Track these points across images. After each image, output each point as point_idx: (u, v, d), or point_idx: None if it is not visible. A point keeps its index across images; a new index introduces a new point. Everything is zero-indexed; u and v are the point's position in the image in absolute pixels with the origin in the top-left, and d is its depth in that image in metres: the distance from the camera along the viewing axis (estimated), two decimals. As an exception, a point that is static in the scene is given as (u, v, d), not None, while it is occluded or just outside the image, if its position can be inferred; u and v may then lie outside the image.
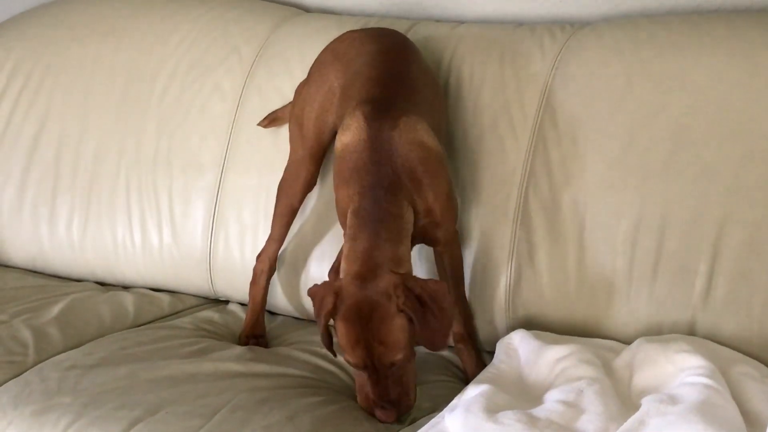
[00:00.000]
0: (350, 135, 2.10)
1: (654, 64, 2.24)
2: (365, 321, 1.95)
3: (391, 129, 2.08)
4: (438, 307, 1.97)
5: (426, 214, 2.09)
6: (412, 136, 2.10)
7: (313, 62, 2.42)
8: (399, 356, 1.96)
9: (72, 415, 2.02)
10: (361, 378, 2.02)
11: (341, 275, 2.02)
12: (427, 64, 2.34)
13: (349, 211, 2.04)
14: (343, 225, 2.12)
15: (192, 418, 1.99)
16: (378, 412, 1.99)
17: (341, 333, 1.98)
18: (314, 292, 2.07)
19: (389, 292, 1.95)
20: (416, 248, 2.31)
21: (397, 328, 1.95)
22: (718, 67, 2.20)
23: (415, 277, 2.02)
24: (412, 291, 1.96)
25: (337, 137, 2.15)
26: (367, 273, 1.97)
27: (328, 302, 1.98)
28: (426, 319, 1.95)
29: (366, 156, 2.07)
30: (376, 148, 2.07)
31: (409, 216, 2.06)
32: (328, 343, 2.06)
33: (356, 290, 1.97)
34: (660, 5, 2.43)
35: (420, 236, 2.13)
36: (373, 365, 1.96)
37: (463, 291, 2.26)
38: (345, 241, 2.04)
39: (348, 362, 2.00)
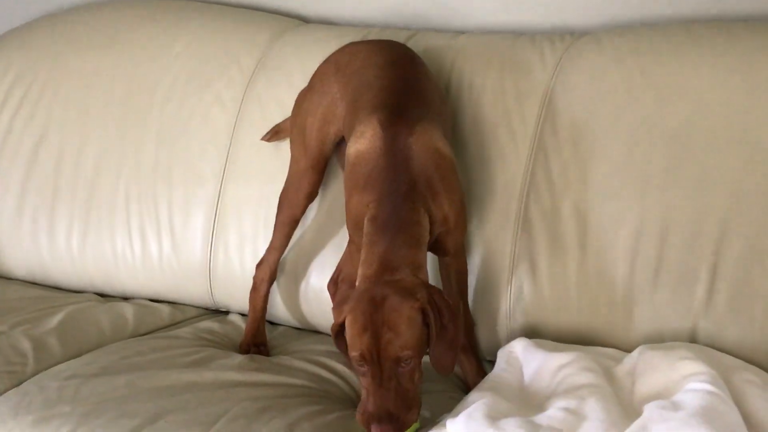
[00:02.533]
0: (365, 142, 2.09)
1: (654, 73, 2.25)
2: (377, 308, 1.89)
3: (408, 135, 2.08)
4: (452, 322, 1.93)
5: (442, 223, 2.08)
6: (428, 142, 2.09)
7: (314, 73, 2.42)
8: (407, 352, 1.88)
9: (71, 424, 2.02)
10: (365, 390, 1.94)
11: (358, 281, 1.97)
12: (432, 73, 2.34)
13: (366, 218, 2.02)
14: (352, 232, 2.11)
15: (192, 427, 1.98)
16: (374, 427, 1.88)
17: (349, 322, 1.91)
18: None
19: (410, 291, 1.91)
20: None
21: (410, 321, 1.89)
22: (718, 75, 2.20)
23: (436, 288, 1.98)
24: (435, 299, 1.92)
25: (350, 144, 2.14)
26: (384, 274, 1.94)
27: (344, 309, 1.93)
28: (444, 332, 1.91)
29: (382, 162, 2.06)
30: (393, 154, 2.06)
31: (426, 223, 2.03)
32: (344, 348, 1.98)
33: (371, 285, 1.93)
34: (660, 14, 2.44)
35: (432, 245, 2.11)
36: (378, 359, 1.89)
37: (467, 301, 2.26)
38: (363, 247, 2.00)
39: (353, 360, 1.92)
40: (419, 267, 1.99)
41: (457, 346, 1.94)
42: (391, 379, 1.89)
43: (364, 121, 2.13)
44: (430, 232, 2.06)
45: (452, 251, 2.18)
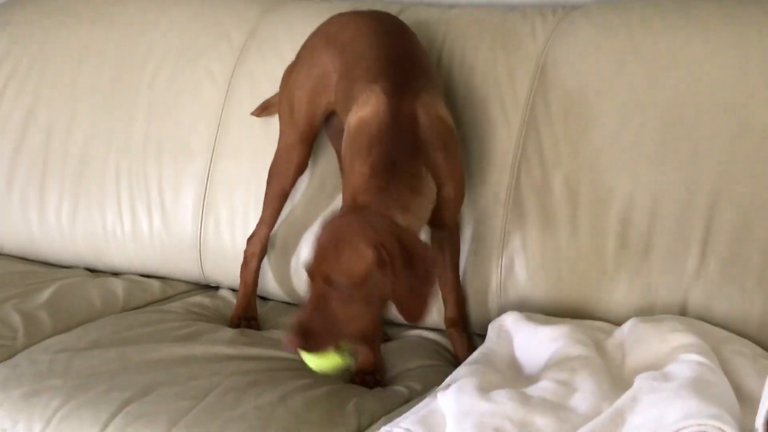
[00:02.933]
0: (369, 109, 2.07)
1: (646, 46, 2.24)
2: (334, 231, 1.88)
3: (413, 101, 2.07)
4: (425, 272, 1.89)
5: (445, 191, 2.07)
6: (434, 111, 2.09)
7: (302, 46, 2.41)
8: (339, 277, 1.84)
9: (62, 397, 2.01)
10: None
11: None
12: (422, 44, 2.33)
13: (367, 172, 1.99)
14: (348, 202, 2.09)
15: (183, 400, 1.98)
16: (287, 336, 1.86)
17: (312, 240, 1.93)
18: None
19: (374, 225, 1.88)
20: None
21: (356, 251, 1.85)
22: (710, 48, 2.20)
23: (415, 234, 1.94)
24: (403, 243, 1.88)
25: (351, 114, 2.11)
26: (366, 206, 1.93)
27: None
28: (407, 277, 1.86)
29: (385, 126, 2.04)
30: (397, 118, 2.05)
31: (429, 181, 2.02)
32: None
33: (346, 212, 1.93)
34: (651, -14, 2.43)
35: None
36: (314, 278, 1.87)
37: (458, 275, 2.26)
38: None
39: None
40: (409, 210, 1.96)
41: (426, 296, 1.90)
42: (320, 300, 1.86)
43: (366, 89, 2.11)
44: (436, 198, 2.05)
45: (448, 224, 2.18)
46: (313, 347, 1.87)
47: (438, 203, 2.08)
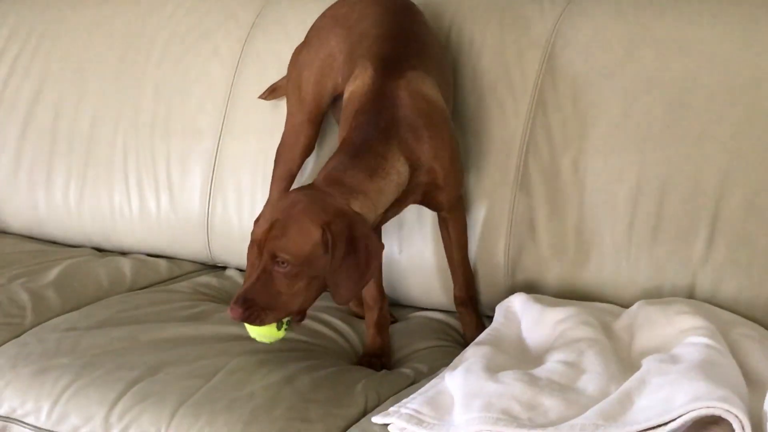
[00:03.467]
0: (357, 83, 2.11)
1: (655, 28, 2.24)
2: (286, 208, 1.91)
3: (397, 79, 2.08)
4: (365, 260, 1.91)
5: (427, 173, 2.07)
6: (417, 89, 2.09)
7: (310, 27, 2.41)
8: (285, 255, 1.88)
9: (71, 375, 2.02)
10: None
11: None
12: (430, 24, 2.33)
13: (338, 147, 2.04)
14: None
15: (191, 379, 1.99)
16: (230, 306, 1.91)
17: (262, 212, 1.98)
18: None
19: (325, 207, 1.90)
20: (416, 212, 2.32)
21: (303, 231, 1.89)
22: (719, 31, 2.19)
23: (365, 223, 1.95)
24: (351, 228, 1.90)
25: (345, 88, 2.15)
26: (321, 187, 1.95)
27: None
28: (347, 261, 1.89)
29: (368, 100, 2.07)
30: (380, 94, 2.07)
31: (398, 164, 2.03)
32: None
33: (302, 189, 1.96)
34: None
35: (421, 198, 2.11)
36: (261, 252, 1.90)
37: (467, 255, 2.26)
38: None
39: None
40: (366, 195, 1.97)
41: (361, 282, 1.93)
42: (266, 273, 1.90)
43: (359, 66, 2.14)
44: (412, 179, 2.05)
45: (446, 207, 2.18)
46: (256, 322, 1.92)
47: (429, 187, 2.09)
